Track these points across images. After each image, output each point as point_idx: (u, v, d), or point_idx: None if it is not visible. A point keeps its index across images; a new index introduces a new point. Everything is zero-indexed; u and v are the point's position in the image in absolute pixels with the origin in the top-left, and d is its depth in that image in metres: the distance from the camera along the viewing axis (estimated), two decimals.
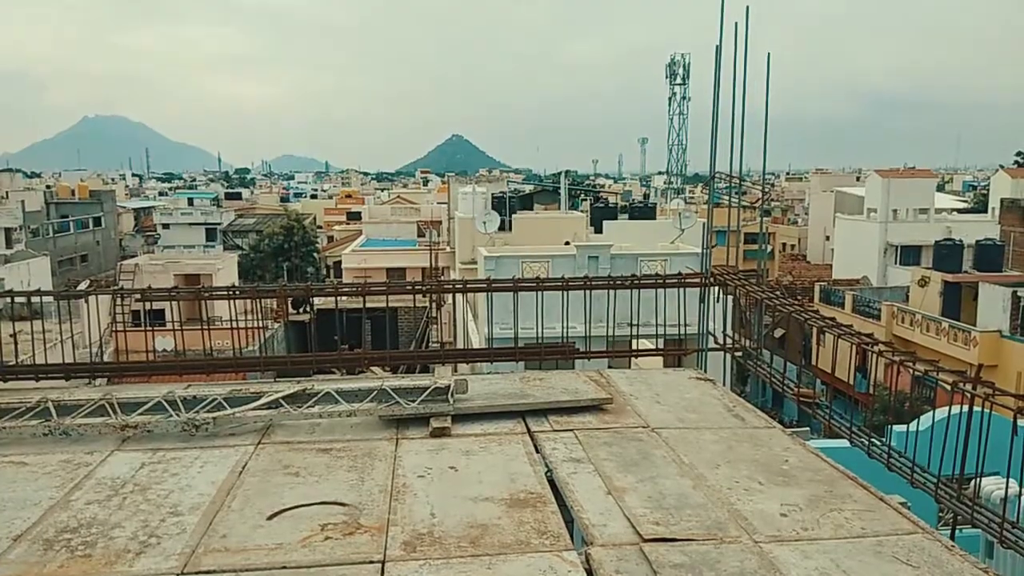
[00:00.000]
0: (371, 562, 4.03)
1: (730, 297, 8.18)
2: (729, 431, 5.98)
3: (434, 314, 27.79)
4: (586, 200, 46.09)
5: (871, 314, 35.66)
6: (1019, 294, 29.50)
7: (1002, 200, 41.43)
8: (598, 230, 33.09)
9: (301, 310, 26.29)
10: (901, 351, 6.55)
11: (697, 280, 7.73)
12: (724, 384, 7.80)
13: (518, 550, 4.15)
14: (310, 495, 4.84)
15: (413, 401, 6.11)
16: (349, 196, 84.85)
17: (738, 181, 8.13)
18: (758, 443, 5.74)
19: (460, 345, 32.64)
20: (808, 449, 5.65)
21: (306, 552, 4.14)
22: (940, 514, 10.00)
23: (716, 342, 8.00)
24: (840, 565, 4.00)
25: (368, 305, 27.54)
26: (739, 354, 7.64)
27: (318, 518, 4.54)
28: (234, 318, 8.28)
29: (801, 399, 6.24)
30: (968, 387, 5.40)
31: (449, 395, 6.15)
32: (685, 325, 8.43)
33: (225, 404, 6.00)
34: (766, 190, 9.23)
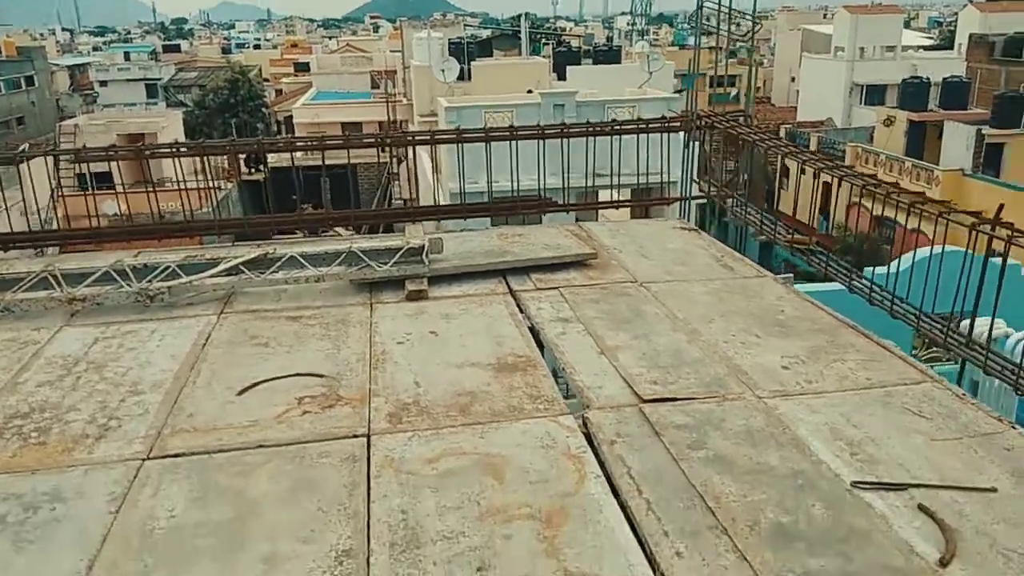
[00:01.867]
0: (355, 436, 3.76)
1: (703, 143, 7.72)
2: (720, 282, 5.72)
3: (395, 170, 26.92)
4: (547, 45, 44.14)
5: (836, 155, 35.49)
6: (983, 132, 29.43)
7: (970, 36, 40.63)
8: (561, 76, 31.83)
9: (254, 169, 25.23)
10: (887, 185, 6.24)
11: (682, 123, 7.25)
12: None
13: (511, 417, 3.91)
14: (282, 367, 4.50)
15: (385, 263, 5.71)
16: (295, 46, 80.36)
17: (726, 11, 7.48)
18: (751, 294, 5.50)
19: (425, 203, 32.01)
20: (803, 297, 5.42)
21: (283, 428, 3.85)
22: (914, 352, 10.15)
23: (700, 190, 7.63)
24: (850, 419, 3.83)
25: (326, 162, 26.51)
26: (724, 202, 7.30)
27: (293, 391, 4.23)
28: (183, 179, 7.65)
29: (795, 245, 5.97)
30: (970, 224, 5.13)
31: (424, 255, 5.75)
32: (661, 173, 8.00)
33: (180, 272, 5.54)
34: (755, 25, 8.58)
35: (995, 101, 30.16)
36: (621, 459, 3.50)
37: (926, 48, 56.69)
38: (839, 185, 6.38)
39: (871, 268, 8.10)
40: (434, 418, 3.90)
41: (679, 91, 27.97)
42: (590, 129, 7.06)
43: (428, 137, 7.01)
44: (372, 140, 6.95)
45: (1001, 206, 4.87)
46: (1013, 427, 3.72)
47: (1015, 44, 37.69)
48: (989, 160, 29.57)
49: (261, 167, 25.51)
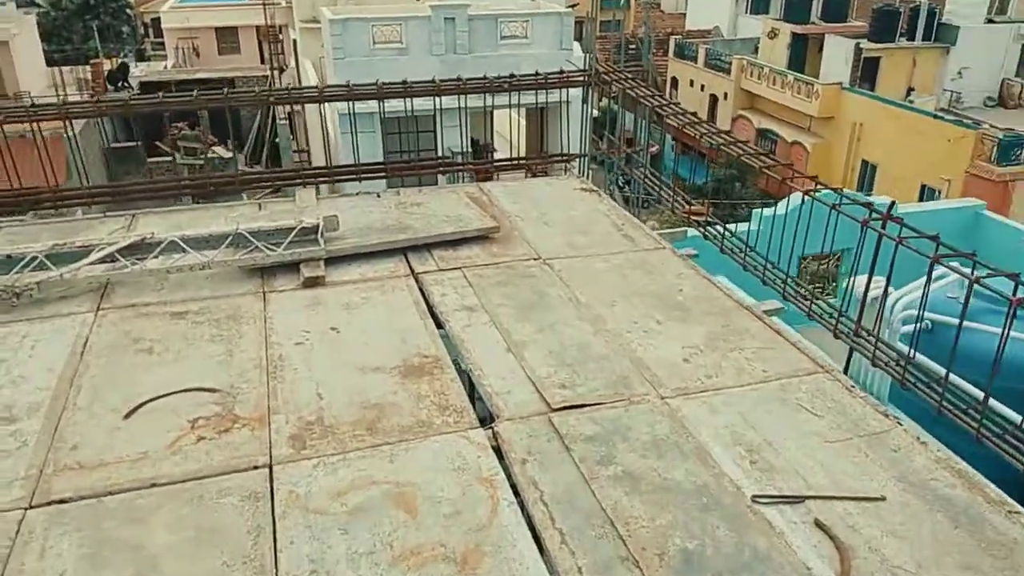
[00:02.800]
0: (256, 468, 3.60)
1: (600, 98, 7.58)
2: (621, 256, 5.72)
3: (277, 85, 25.43)
4: None
5: (721, 68, 35.99)
6: (861, 46, 30.36)
7: None
8: None
9: (119, 85, 23.27)
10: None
11: (580, 79, 7.05)
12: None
13: (420, 433, 3.83)
14: (171, 379, 4.24)
15: (277, 246, 5.40)
16: None
17: None
18: (651, 269, 5.53)
19: (308, 116, 30.52)
20: (700, 274, 5.50)
21: (177, 460, 3.64)
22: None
23: (598, 148, 7.53)
24: (747, 419, 3.95)
25: (201, 77, 24.96)
26: (619, 160, 7.24)
27: (185, 411, 3.99)
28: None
29: (693, 216, 6.01)
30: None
31: (319, 235, 5.47)
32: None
33: (48, 263, 5.08)
34: None
35: (873, 15, 31.04)
36: (533, 482, 3.50)
37: None
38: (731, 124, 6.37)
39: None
40: (340, 440, 3.78)
41: (573, 5, 27.31)
42: (488, 84, 6.78)
43: (316, 94, 6.57)
44: (253, 95, 6.44)
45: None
46: (899, 424, 3.94)
47: None
48: (866, 74, 30.65)
49: (125, 83, 23.59)
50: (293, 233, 5.46)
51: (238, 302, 5.05)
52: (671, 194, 6.44)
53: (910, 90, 30.95)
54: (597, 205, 6.69)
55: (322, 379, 4.25)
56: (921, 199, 27.77)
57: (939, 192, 27.09)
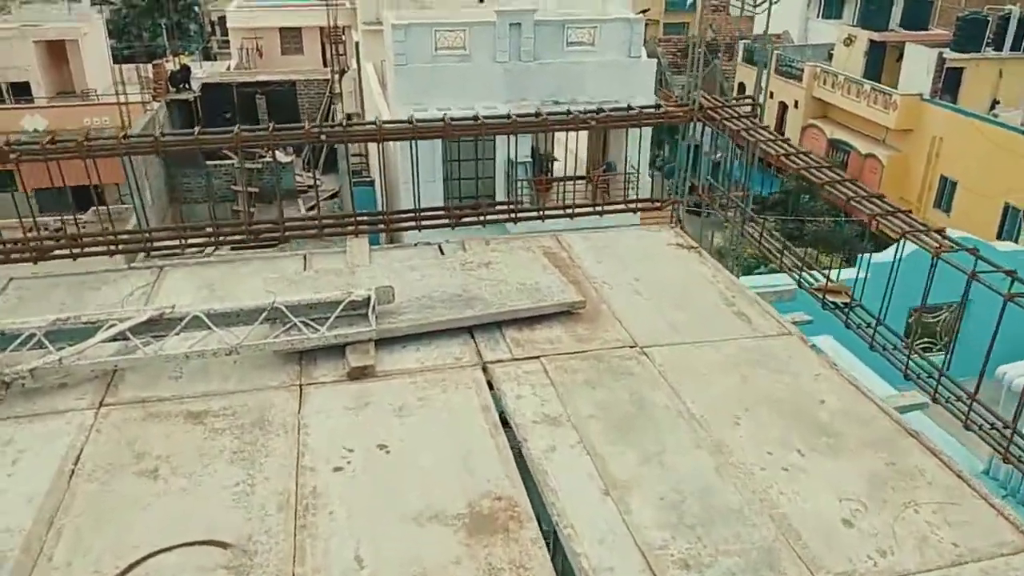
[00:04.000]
0: None
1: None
2: (736, 344, 4.56)
3: (338, 88, 24.73)
4: None
5: (793, 75, 34.25)
6: (944, 56, 28.36)
7: None
8: None
9: (180, 87, 22.79)
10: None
11: (680, 114, 5.89)
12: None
13: None
14: (175, 521, 3.24)
15: (319, 322, 4.38)
16: None
17: None
18: (778, 366, 4.36)
19: (368, 118, 29.85)
20: (842, 375, 4.31)
21: None
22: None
23: (699, 194, 6.34)
24: None
25: (262, 79, 24.10)
26: (729, 213, 6.05)
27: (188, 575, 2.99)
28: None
29: (828, 293, 4.81)
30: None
31: (370, 311, 4.43)
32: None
33: (46, 342, 4.14)
34: None
35: (958, 22, 28.95)
36: None
37: None
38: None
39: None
40: None
41: (643, 10, 25.97)
42: (572, 118, 5.66)
43: (375, 131, 5.53)
44: (301, 133, 5.44)
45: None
46: None
47: None
48: (948, 85, 28.64)
49: (187, 85, 23.03)
50: (339, 308, 4.43)
51: (269, 398, 4.04)
52: (800, 265, 5.23)
53: (995, 103, 28.83)
54: (697, 267, 5.52)
55: (364, 532, 3.20)
56: (1003, 219, 25.78)
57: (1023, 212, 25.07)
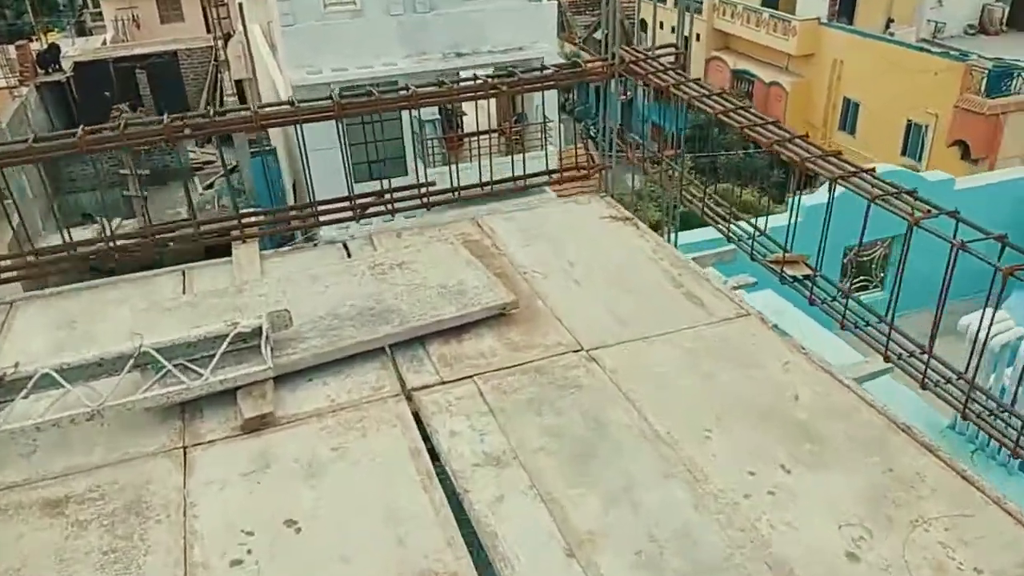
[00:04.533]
0: None
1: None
2: (692, 335, 3.98)
3: (224, 55, 22.95)
4: None
5: (693, 8, 33.80)
6: None
7: None
8: None
9: (50, 68, 20.67)
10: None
11: (600, 70, 5.19)
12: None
13: None
14: None
15: (203, 363, 3.59)
16: None
17: None
18: (742, 359, 3.81)
19: (262, 85, 28.03)
20: (812, 361, 3.79)
21: None
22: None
23: (622, 148, 5.69)
24: None
25: (140, 52, 22.20)
26: (655, 170, 5.43)
27: None
28: None
29: (785, 265, 4.25)
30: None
31: (263, 343, 3.66)
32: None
33: None
34: None
35: None
36: None
37: None
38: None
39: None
40: None
41: None
42: (479, 88, 4.90)
43: (251, 119, 4.63)
44: (162, 128, 4.49)
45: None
46: None
47: None
48: (844, 7, 28.75)
49: (57, 66, 20.94)
50: (225, 343, 3.64)
51: (145, 471, 3.26)
52: (722, 216, 4.66)
53: (889, 22, 29.15)
54: (637, 242, 4.91)
55: None
56: (907, 135, 26.22)
57: (926, 127, 25.55)
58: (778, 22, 29.43)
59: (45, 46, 22.01)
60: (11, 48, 22.41)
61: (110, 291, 4.64)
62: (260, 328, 3.68)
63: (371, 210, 5.17)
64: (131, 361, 3.55)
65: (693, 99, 4.56)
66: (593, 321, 4.09)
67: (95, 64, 22.30)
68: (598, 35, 40.20)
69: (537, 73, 5.08)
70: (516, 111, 23.47)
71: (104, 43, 29.36)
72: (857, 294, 8.55)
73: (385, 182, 5.15)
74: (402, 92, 4.85)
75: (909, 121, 25.83)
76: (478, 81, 4.97)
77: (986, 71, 23.65)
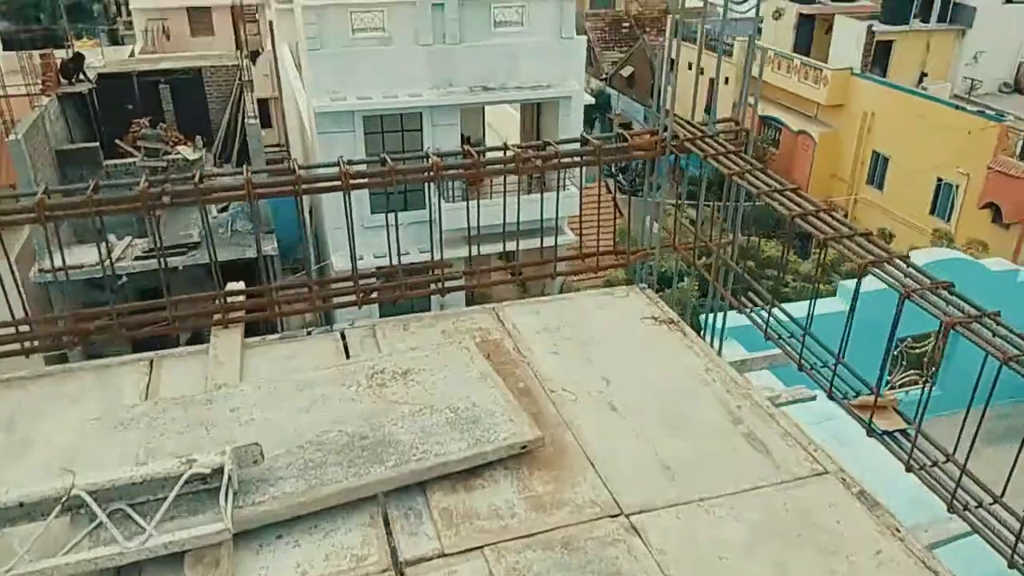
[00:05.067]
0: None
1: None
2: (759, 500, 3.17)
3: (249, 76, 22.46)
4: None
5: (723, 50, 33.19)
6: (874, 29, 27.65)
7: None
8: None
9: (74, 78, 20.27)
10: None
11: (649, 146, 4.42)
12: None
13: None
14: None
15: (150, 507, 2.81)
16: None
17: None
18: (823, 541, 2.99)
19: (286, 104, 27.58)
20: (908, 551, 2.98)
21: None
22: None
23: (666, 239, 4.89)
24: None
25: (165, 67, 21.40)
26: (701, 262, 4.63)
27: None
28: None
29: (878, 409, 3.42)
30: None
31: (223, 493, 2.88)
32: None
33: None
34: None
35: None
36: None
37: None
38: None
39: None
40: None
41: None
42: (511, 160, 4.16)
43: (241, 188, 3.91)
44: (134, 197, 3.77)
45: None
46: None
47: None
48: (878, 58, 28.01)
49: (82, 76, 20.49)
50: (178, 485, 2.87)
51: None
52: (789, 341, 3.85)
53: (923, 76, 28.37)
54: (684, 355, 4.11)
55: None
56: (936, 194, 25.34)
57: (956, 186, 24.67)
58: (809, 70, 28.71)
59: (70, 55, 21.53)
60: (36, 55, 22.00)
61: (67, 382, 3.88)
62: (221, 469, 2.91)
63: (376, 294, 4.41)
64: (59, 506, 2.78)
65: (763, 193, 3.78)
66: (635, 469, 3.30)
67: (119, 76, 21.82)
68: (625, 72, 39.69)
69: (575, 146, 4.32)
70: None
71: (132, 54, 29.06)
72: (905, 390, 7.74)
73: (399, 255, 4.37)
74: (424, 162, 4.10)
75: (940, 180, 24.96)
76: (508, 153, 4.22)
77: (1023, 133, 22.80)
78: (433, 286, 4.43)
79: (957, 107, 25.22)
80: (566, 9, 19.14)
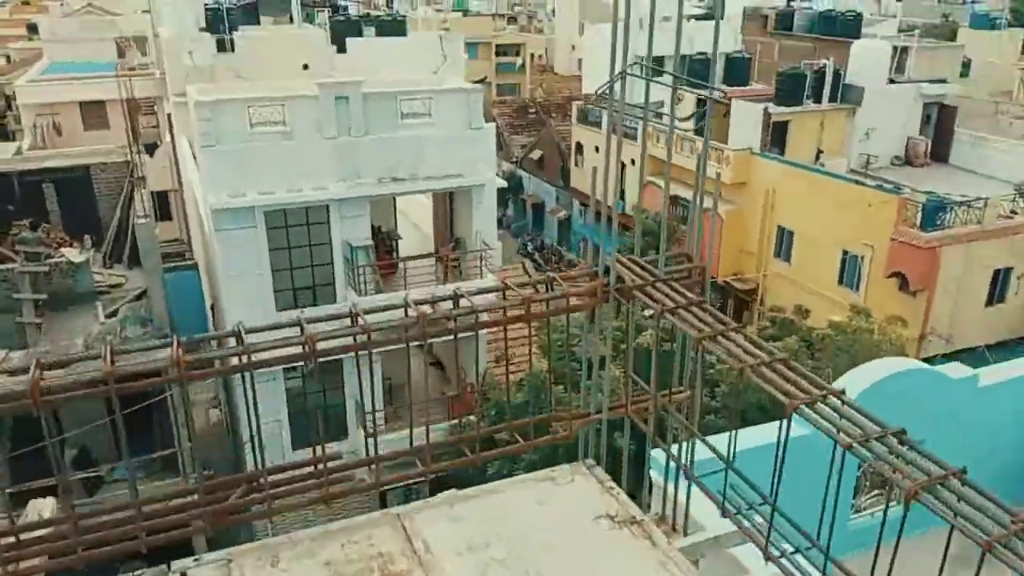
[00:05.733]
0: None
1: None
2: None
3: (142, 172, 20.91)
4: (323, 12, 38.19)
5: (628, 135, 33.61)
6: (770, 111, 28.40)
7: (744, 9, 39.97)
8: (341, 49, 26.74)
9: None
10: None
11: (588, 296, 3.40)
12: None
13: None
14: None
15: None
16: (27, 2, 66.48)
17: None
18: None
19: (187, 197, 25.96)
20: None
21: None
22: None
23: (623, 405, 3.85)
24: None
25: (49, 165, 19.20)
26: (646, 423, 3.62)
27: None
28: None
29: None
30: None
31: None
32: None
33: None
34: None
35: (778, 78, 29.17)
36: None
37: (697, 18, 56.75)
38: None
39: None
40: None
41: (480, 80, 24.09)
42: (422, 323, 3.07)
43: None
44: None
45: None
46: None
47: (787, 17, 37.52)
48: (776, 138, 28.69)
49: None
50: None
51: None
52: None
53: (819, 153, 29.20)
54: (657, 570, 3.02)
55: None
56: (843, 265, 25.64)
57: (861, 257, 25.01)
58: (712, 151, 29.16)
59: None
60: None
61: None
62: None
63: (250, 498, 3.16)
64: None
65: (749, 367, 2.78)
66: None
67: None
68: (534, 155, 39.77)
69: (493, 297, 3.26)
70: (454, 234, 21.95)
71: (19, 151, 26.98)
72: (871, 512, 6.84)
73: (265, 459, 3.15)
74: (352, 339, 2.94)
75: (845, 252, 25.30)
76: (412, 313, 3.11)
77: (920, 205, 23.37)
78: (314, 488, 3.21)
79: (856, 181, 25.85)
80: (473, 100, 18.55)
